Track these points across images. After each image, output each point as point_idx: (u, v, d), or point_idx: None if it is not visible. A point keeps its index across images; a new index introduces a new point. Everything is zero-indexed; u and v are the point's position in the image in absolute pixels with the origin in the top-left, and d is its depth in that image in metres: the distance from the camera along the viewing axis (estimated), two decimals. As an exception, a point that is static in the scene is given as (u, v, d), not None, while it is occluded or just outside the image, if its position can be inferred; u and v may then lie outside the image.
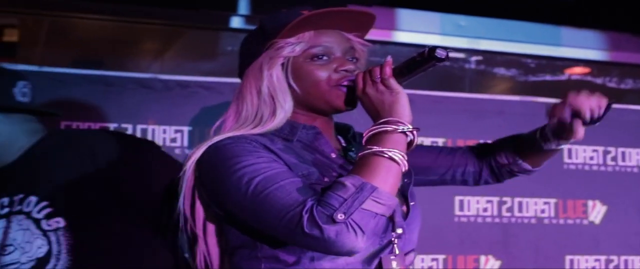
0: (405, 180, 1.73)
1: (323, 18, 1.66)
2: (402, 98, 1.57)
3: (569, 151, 3.58)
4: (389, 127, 1.53)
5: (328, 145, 1.72)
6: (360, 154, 1.54)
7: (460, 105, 3.53)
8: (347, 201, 1.43)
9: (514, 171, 1.97)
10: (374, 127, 1.55)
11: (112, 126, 3.08)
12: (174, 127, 3.17)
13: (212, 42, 4.03)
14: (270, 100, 1.66)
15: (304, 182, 1.52)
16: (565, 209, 3.55)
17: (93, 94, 3.06)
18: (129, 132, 3.10)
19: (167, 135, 3.15)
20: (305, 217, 1.43)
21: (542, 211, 3.50)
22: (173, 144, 3.15)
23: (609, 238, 3.59)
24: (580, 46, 4.31)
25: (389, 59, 1.61)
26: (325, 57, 1.67)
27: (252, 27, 1.79)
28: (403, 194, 1.73)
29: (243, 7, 3.87)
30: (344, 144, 1.82)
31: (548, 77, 4.51)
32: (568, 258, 3.56)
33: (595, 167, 3.63)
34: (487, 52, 4.25)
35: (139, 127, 3.13)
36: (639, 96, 4.63)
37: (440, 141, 3.42)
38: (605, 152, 3.66)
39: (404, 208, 1.72)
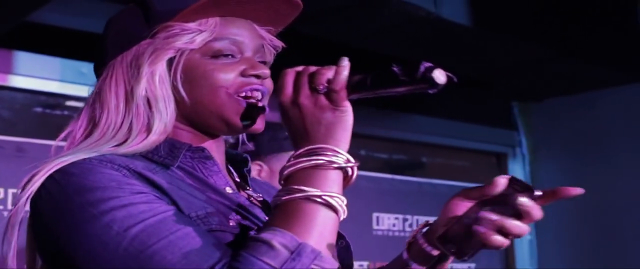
0: (341, 241, 1.32)
1: (237, 2, 1.26)
2: (348, 121, 1.15)
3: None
4: (322, 160, 1.11)
5: (221, 176, 1.27)
6: (283, 197, 1.10)
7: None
8: None
9: None
10: (303, 159, 1.12)
11: None
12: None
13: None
14: (146, 108, 1.22)
15: (203, 231, 1.09)
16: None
17: None
18: None
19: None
20: None
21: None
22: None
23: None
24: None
25: (347, 62, 1.17)
26: (230, 56, 1.26)
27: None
28: (344, 264, 1.32)
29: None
30: (237, 179, 1.38)
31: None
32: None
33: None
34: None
35: None
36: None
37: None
38: (403, 220, 4.07)
39: None
